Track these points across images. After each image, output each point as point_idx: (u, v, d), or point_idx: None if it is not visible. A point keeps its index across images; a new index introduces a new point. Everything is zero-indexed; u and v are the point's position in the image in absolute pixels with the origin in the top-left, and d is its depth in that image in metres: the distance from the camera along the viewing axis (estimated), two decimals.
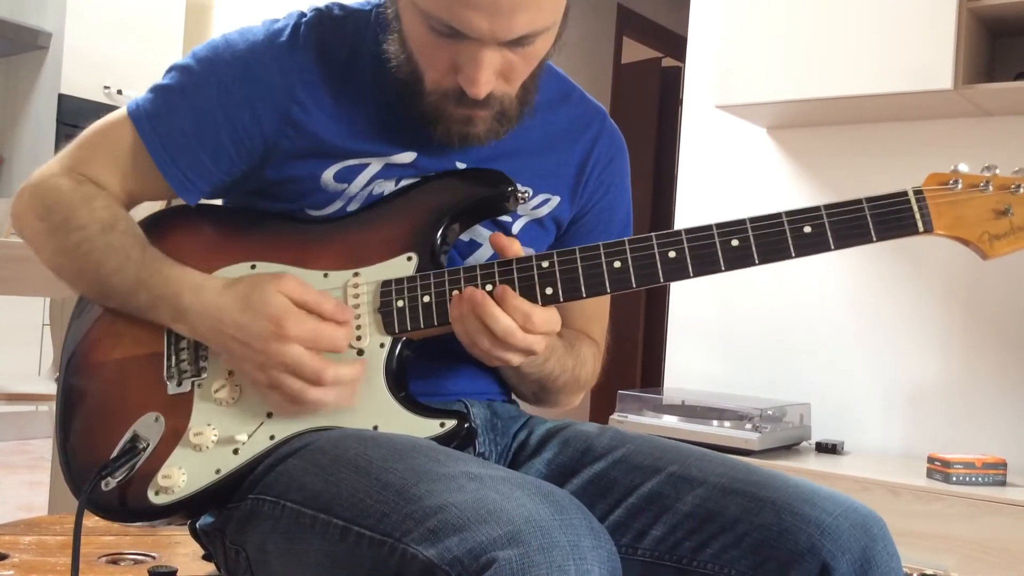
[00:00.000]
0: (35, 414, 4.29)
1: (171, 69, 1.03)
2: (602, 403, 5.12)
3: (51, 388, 2.85)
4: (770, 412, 2.53)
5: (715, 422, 2.52)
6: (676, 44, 5.22)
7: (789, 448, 2.60)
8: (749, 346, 2.92)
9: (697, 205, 3.11)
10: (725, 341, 2.96)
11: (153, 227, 1.03)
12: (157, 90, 1.02)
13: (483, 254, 1.06)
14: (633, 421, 2.63)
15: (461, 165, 1.04)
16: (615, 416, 2.66)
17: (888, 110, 2.64)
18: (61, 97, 4.45)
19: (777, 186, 2.95)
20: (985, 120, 2.62)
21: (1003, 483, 2.26)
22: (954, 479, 2.24)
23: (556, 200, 1.10)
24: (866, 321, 2.74)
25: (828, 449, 2.61)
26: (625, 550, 0.93)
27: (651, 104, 5.57)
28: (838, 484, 2.31)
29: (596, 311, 1.16)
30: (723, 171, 3.07)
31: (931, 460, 2.34)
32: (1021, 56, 2.61)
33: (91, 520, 1.47)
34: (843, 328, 2.78)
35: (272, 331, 0.90)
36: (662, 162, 5.43)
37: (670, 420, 2.58)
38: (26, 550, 1.33)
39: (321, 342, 0.91)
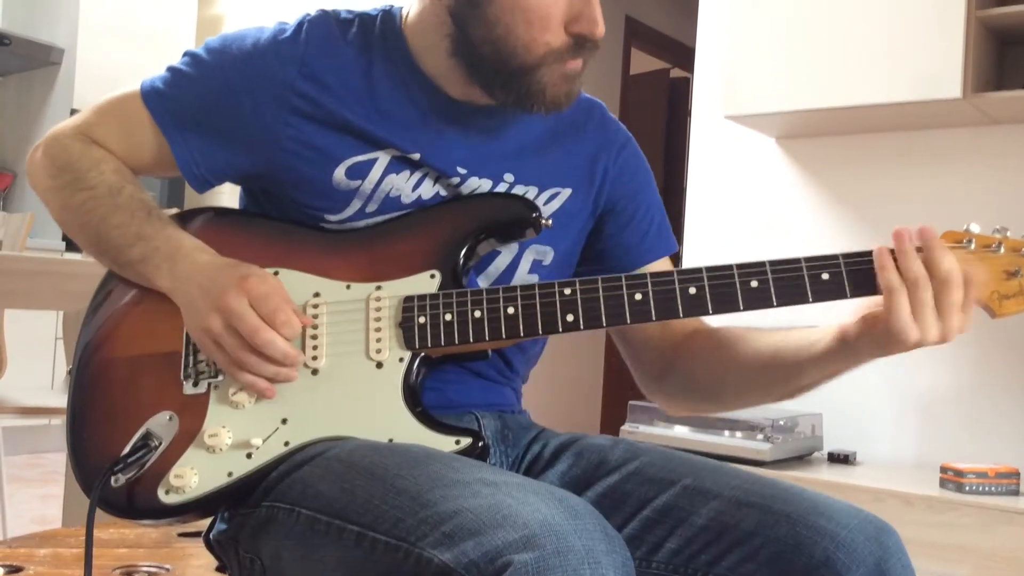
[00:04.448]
0: (48, 427, 4.31)
1: (186, 54, 1.07)
2: (613, 413, 5.11)
3: (63, 401, 2.86)
4: (782, 422, 2.52)
5: (727, 432, 2.52)
6: (684, 55, 5.23)
7: (801, 459, 2.60)
8: None
9: (707, 214, 3.12)
10: None
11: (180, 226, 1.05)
12: (170, 71, 1.07)
13: (503, 260, 1.07)
14: (644, 431, 2.62)
15: (463, 170, 1.04)
16: (626, 427, 2.66)
17: (897, 119, 2.64)
18: (74, 112, 4.47)
19: (786, 195, 2.96)
20: (994, 128, 2.62)
21: (1016, 493, 2.25)
22: (967, 489, 2.24)
23: (567, 192, 1.10)
24: None
25: (840, 459, 2.61)
26: (640, 563, 0.93)
27: (660, 114, 5.58)
28: (851, 495, 2.30)
29: None
30: (732, 181, 3.07)
31: (944, 470, 2.33)
32: None
33: (105, 532, 1.48)
34: None
35: (234, 281, 0.94)
36: (671, 172, 5.44)
37: (681, 430, 2.58)
38: (41, 562, 1.33)
39: (266, 305, 0.93)
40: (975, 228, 0.92)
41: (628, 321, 0.93)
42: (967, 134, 2.66)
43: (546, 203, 1.09)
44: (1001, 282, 0.91)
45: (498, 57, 0.98)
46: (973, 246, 0.92)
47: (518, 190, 1.07)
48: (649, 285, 0.93)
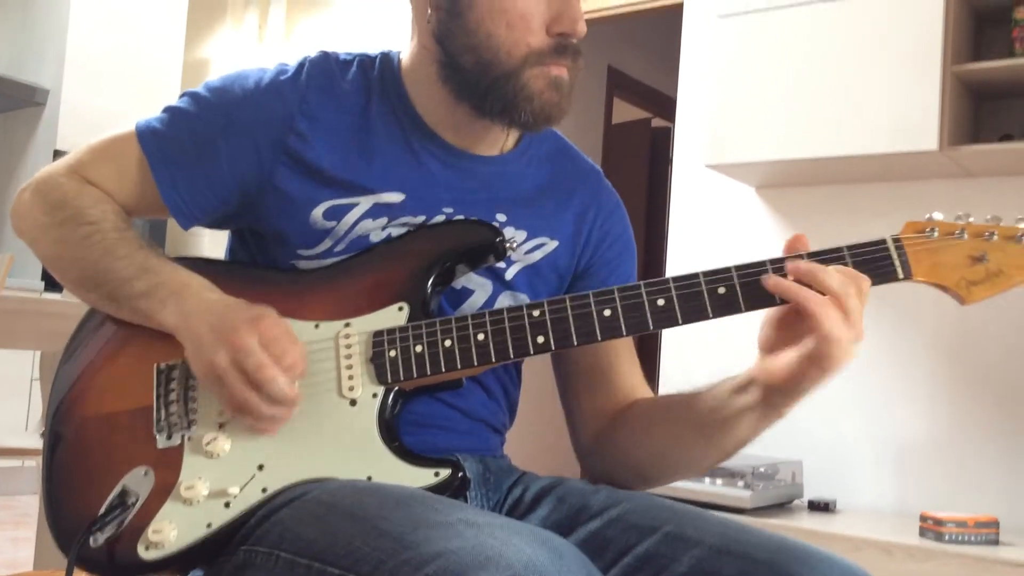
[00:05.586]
0: (20, 469, 4.24)
1: (184, 95, 1.07)
2: None
3: (38, 443, 2.82)
4: (762, 469, 2.52)
5: (707, 479, 2.52)
6: (666, 105, 5.29)
7: (782, 506, 2.59)
8: None
9: (687, 262, 3.14)
10: None
11: None
12: (167, 111, 1.07)
13: (477, 300, 1.07)
14: None
15: (449, 210, 1.05)
16: None
17: (875, 170, 2.68)
18: (56, 153, 4.48)
19: (766, 244, 2.98)
20: (969, 181, 2.66)
21: (996, 542, 2.25)
22: (947, 538, 2.24)
23: (553, 244, 1.11)
24: (855, 378, 2.75)
25: (821, 507, 2.61)
26: None
27: (642, 163, 5.63)
28: (831, 543, 2.30)
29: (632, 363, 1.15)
30: (713, 229, 3.10)
31: (923, 519, 2.34)
32: (1005, 119, 2.67)
33: None
34: (832, 384, 2.78)
35: (247, 320, 0.92)
36: (653, 220, 5.48)
37: None
38: None
39: (276, 346, 0.92)
40: (938, 216, 0.91)
41: (599, 338, 0.93)
42: (943, 186, 2.70)
43: (530, 251, 1.10)
44: (967, 268, 0.89)
45: (480, 64, 1.00)
46: (936, 234, 0.90)
47: (508, 231, 1.07)
48: (617, 300, 0.93)
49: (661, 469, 1.09)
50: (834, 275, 0.88)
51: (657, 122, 5.73)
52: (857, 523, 2.48)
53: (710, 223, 3.11)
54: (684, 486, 2.50)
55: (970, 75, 2.48)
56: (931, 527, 2.29)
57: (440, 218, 1.05)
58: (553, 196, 1.13)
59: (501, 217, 1.07)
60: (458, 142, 1.07)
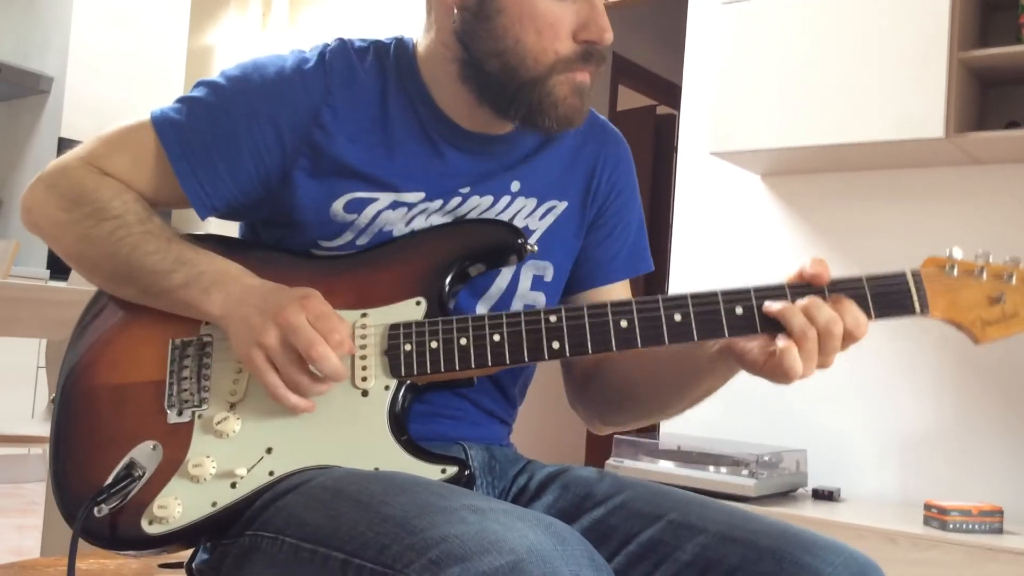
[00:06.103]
0: (27, 457, 4.26)
1: (199, 84, 1.06)
2: (598, 448, 5.10)
3: (44, 430, 2.83)
4: (766, 458, 2.52)
5: (711, 468, 2.52)
6: (671, 92, 5.28)
7: (786, 495, 2.60)
8: (745, 392, 2.91)
9: (692, 250, 3.14)
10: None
11: None
12: (183, 101, 1.05)
13: (503, 281, 1.08)
14: (629, 466, 2.62)
15: (465, 189, 1.05)
16: (611, 461, 2.65)
17: (881, 158, 2.67)
18: (61, 141, 4.48)
19: (771, 231, 2.98)
20: (976, 168, 2.66)
21: (1000, 531, 2.25)
22: (951, 527, 2.24)
23: (563, 206, 1.12)
24: (860, 367, 2.75)
25: (825, 496, 2.61)
26: None
27: (646, 151, 5.62)
28: (835, 531, 2.30)
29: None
30: (718, 217, 3.10)
31: (928, 507, 2.34)
32: (1011, 105, 2.66)
33: (85, 563, 1.46)
34: (838, 374, 2.78)
35: (293, 299, 0.93)
36: (657, 208, 5.47)
37: (666, 466, 2.58)
38: None
39: (325, 323, 0.92)
40: (957, 254, 0.91)
41: (614, 348, 0.93)
42: (949, 173, 2.69)
43: (542, 217, 1.10)
44: (984, 308, 0.91)
45: (506, 70, 0.99)
46: (956, 272, 0.91)
47: (519, 201, 1.08)
48: (635, 312, 0.93)
49: (633, 407, 1.12)
50: (823, 312, 0.89)
51: (662, 109, 5.72)
52: (861, 512, 2.48)
53: (715, 211, 3.10)
54: (688, 474, 2.50)
55: (976, 62, 2.47)
56: (935, 516, 2.29)
57: (456, 200, 1.05)
58: (561, 156, 1.13)
59: (515, 186, 1.08)
60: (474, 128, 1.07)
